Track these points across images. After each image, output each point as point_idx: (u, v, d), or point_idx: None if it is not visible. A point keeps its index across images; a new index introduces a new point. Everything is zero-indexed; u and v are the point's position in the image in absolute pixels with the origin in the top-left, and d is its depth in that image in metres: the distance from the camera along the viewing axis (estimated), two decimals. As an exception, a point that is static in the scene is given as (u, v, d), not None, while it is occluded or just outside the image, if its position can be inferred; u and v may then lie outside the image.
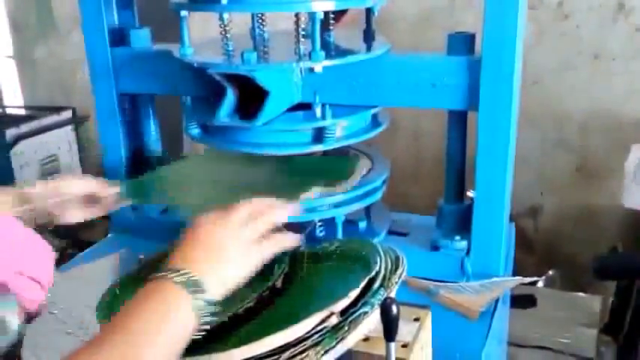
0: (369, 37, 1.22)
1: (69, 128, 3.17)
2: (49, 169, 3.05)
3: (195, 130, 1.22)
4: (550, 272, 2.27)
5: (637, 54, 2.25)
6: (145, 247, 1.16)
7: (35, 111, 3.23)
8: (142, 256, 1.13)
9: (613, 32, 2.26)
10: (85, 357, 0.64)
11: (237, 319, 0.88)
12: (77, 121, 3.21)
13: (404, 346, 0.87)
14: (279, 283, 0.97)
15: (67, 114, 3.18)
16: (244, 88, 1.07)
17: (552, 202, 2.47)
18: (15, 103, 3.57)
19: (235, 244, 0.80)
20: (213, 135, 1.21)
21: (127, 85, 1.36)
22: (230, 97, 1.07)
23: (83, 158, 3.22)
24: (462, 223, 1.19)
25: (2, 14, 3.52)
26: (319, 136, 1.14)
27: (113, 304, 0.99)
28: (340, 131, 1.16)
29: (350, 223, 1.25)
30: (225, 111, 1.08)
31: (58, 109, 3.17)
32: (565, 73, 2.35)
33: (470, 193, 1.16)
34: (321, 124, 1.14)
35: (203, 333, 0.85)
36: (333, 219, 1.18)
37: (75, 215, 1.07)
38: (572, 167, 2.40)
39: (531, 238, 2.51)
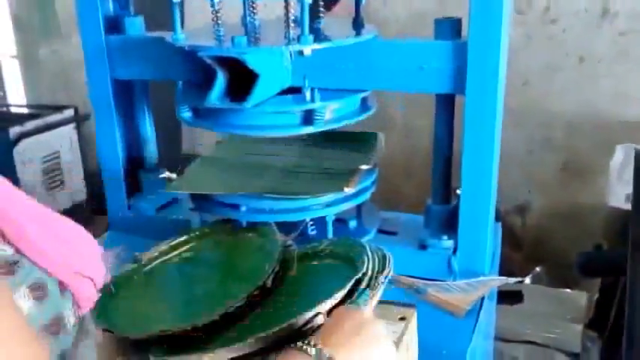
0: (357, 24, 1.20)
1: (71, 126, 3.16)
2: (51, 167, 3.04)
3: (187, 114, 1.19)
4: (537, 269, 2.26)
5: (621, 57, 2.25)
6: (141, 244, 1.15)
7: (38, 109, 3.22)
8: (137, 254, 1.12)
9: (598, 36, 2.26)
10: None
11: (228, 319, 0.87)
12: (79, 120, 3.19)
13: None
14: (269, 283, 0.96)
15: (69, 112, 3.16)
16: (235, 72, 1.05)
17: (539, 200, 2.47)
18: (18, 101, 3.55)
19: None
20: (205, 118, 1.19)
21: (120, 71, 1.34)
22: (221, 80, 1.05)
23: (84, 156, 3.20)
24: (449, 223, 1.18)
25: (6, 15, 3.50)
26: (309, 118, 1.12)
27: (108, 303, 0.98)
28: (329, 114, 1.14)
29: (340, 222, 1.24)
30: (216, 94, 1.06)
31: (60, 108, 3.16)
32: (552, 75, 2.35)
33: (459, 191, 1.15)
34: (310, 106, 1.12)
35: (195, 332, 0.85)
36: (323, 218, 1.18)
37: None
38: (559, 166, 2.40)
39: (519, 235, 2.50)
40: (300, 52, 1.06)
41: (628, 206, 1.85)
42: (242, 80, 1.04)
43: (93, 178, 3.15)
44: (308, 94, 1.12)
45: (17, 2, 3.44)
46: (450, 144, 1.20)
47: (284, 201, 1.15)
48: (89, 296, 0.70)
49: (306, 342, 0.71)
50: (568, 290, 2.07)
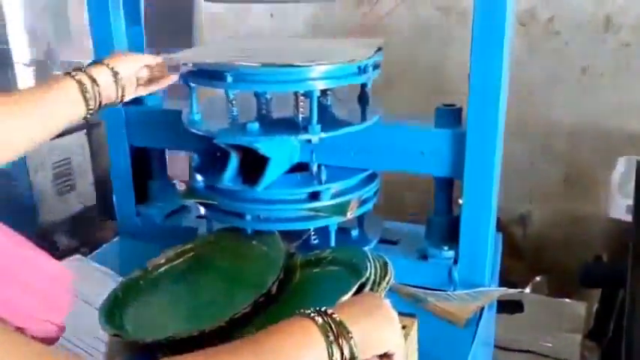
0: (363, 104, 1.24)
1: (82, 133, 3.18)
2: (62, 172, 3.07)
3: (200, 185, 1.22)
4: (537, 278, 2.26)
5: (624, 69, 2.25)
6: (149, 250, 1.16)
7: (50, 116, 3.24)
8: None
9: (601, 48, 2.26)
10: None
11: (234, 325, 0.88)
12: (89, 127, 3.22)
13: (390, 354, 0.86)
14: (274, 290, 0.97)
15: (80, 119, 3.19)
16: (248, 151, 1.10)
17: (540, 211, 2.46)
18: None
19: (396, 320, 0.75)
20: (216, 191, 1.21)
21: (138, 140, 1.41)
22: (233, 162, 1.10)
23: (94, 161, 3.23)
24: (450, 233, 1.19)
25: (21, 24, 3.54)
26: (315, 195, 1.16)
27: (115, 309, 0.99)
28: (336, 189, 1.18)
29: (343, 231, 1.25)
30: (229, 176, 1.11)
31: (71, 115, 3.18)
32: (554, 86, 2.35)
33: (460, 201, 1.16)
34: (317, 188, 1.16)
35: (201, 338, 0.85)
36: (326, 227, 1.18)
37: (136, 92, 1.11)
38: (560, 177, 2.39)
39: (520, 244, 2.50)
40: (309, 140, 1.11)
41: (629, 218, 1.85)
42: (254, 156, 1.09)
43: (102, 184, 3.17)
44: (315, 173, 1.18)
45: (32, 12, 3.49)
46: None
47: (288, 210, 1.16)
48: (48, 336, 0.67)
49: (314, 310, 0.68)
50: (568, 300, 2.06)
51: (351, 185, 1.20)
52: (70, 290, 0.71)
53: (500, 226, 1.29)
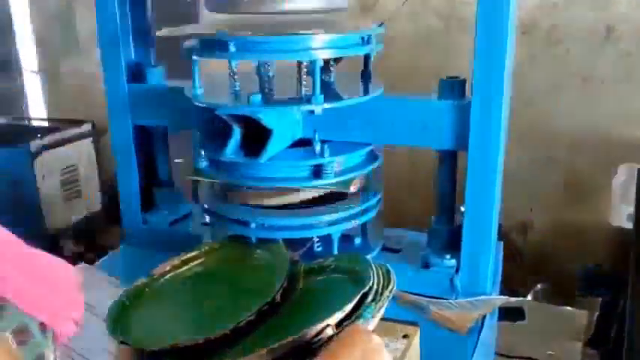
0: (366, 78, 1.23)
1: (88, 140, 3.20)
2: (69, 178, 3.08)
3: (204, 164, 1.22)
4: (539, 286, 2.26)
5: (625, 77, 2.25)
6: (154, 257, 1.17)
7: (57, 123, 3.27)
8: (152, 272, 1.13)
9: (602, 56, 2.26)
10: None
11: (239, 332, 0.89)
12: (96, 134, 3.24)
13: (392, 362, 0.86)
14: (278, 298, 0.97)
15: (86, 127, 3.21)
16: (250, 125, 1.08)
17: (541, 219, 2.46)
18: (39, 115, 3.61)
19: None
20: (220, 168, 1.21)
21: (141, 118, 1.39)
22: (236, 135, 1.09)
23: (100, 168, 3.24)
24: (452, 242, 1.19)
25: (28, 31, 3.57)
26: (318, 171, 1.14)
27: (122, 316, 0.99)
28: (339, 166, 1.16)
29: (346, 239, 1.25)
30: (232, 148, 1.10)
31: (78, 122, 3.20)
32: (555, 94, 2.35)
33: (462, 208, 1.16)
34: (319, 161, 1.14)
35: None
36: (329, 235, 1.19)
37: None
38: (561, 185, 2.39)
39: (521, 252, 2.49)
40: (312, 111, 1.08)
41: (630, 226, 1.85)
42: (257, 132, 1.07)
43: (108, 190, 3.18)
44: (318, 147, 1.15)
45: (39, 19, 3.51)
46: (453, 183, 1.22)
47: (292, 219, 1.17)
48: (69, 333, 0.68)
49: None
50: (569, 308, 2.05)
51: (354, 164, 1.18)
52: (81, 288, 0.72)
53: (502, 234, 1.29)
